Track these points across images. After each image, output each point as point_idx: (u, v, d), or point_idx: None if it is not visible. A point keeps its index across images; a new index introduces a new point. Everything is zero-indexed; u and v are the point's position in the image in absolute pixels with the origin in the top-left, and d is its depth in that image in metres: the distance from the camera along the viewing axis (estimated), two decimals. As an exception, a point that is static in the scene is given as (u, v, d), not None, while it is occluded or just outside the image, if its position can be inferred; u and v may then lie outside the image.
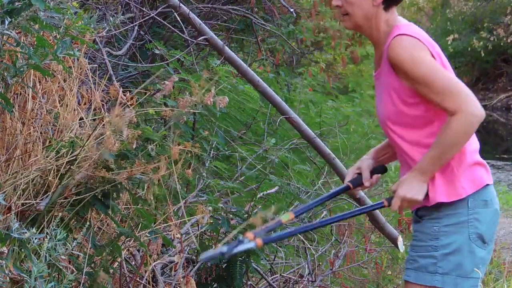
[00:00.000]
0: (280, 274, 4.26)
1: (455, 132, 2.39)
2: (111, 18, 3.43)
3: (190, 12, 3.71)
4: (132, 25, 4.79)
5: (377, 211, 3.80)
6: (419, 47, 2.46)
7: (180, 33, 4.58)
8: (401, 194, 2.48)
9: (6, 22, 2.43)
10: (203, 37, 3.74)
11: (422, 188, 2.46)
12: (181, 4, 3.77)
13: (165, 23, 4.74)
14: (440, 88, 2.42)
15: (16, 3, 2.48)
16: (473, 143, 2.53)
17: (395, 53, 2.44)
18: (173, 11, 4.00)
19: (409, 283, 2.53)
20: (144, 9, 4.80)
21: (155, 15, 4.46)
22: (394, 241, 3.60)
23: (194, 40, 4.09)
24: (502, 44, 20.43)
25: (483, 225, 2.49)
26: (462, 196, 2.47)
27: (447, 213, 2.49)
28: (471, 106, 2.39)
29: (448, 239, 2.48)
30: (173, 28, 4.68)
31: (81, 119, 3.30)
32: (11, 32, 2.46)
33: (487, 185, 2.52)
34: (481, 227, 2.48)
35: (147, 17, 4.68)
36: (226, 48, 3.77)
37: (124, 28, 4.69)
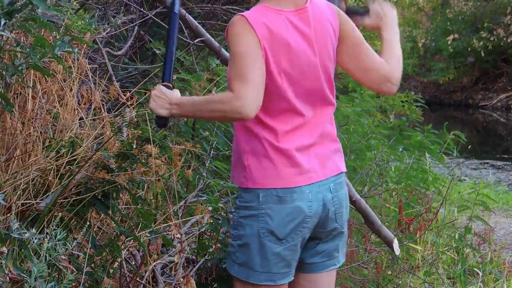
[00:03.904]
0: (280, 274, 4.25)
1: (219, 109, 2.41)
2: (111, 18, 3.44)
3: (186, 14, 3.70)
4: (132, 25, 4.79)
5: (374, 213, 3.80)
6: (242, 28, 2.44)
7: (178, 35, 4.57)
8: (153, 93, 2.55)
9: (2, 23, 2.43)
10: (199, 39, 3.73)
11: (162, 108, 2.53)
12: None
13: (163, 24, 4.74)
14: (236, 74, 2.42)
15: (17, 4, 2.48)
16: (294, 142, 2.49)
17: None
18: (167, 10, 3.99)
19: None
20: (143, 10, 4.81)
21: (153, 15, 4.46)
22: (390, 244, 3.60)
23: (190, 42, 4.09)
24: (502, 44, 20.45)
25: (275, 221, 2.45)
26: (247, 186, 2.48)
27: (243, 204, 2.50)
28: (247, 102, 2.38)
29: (242, 231, 2.49)
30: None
31: (81, 119, 3.30)
32: (7, 33, 2.46)
33: (291, 187, 2.47)
34: (271, 223, 2.45)
35: (145, 18, 4.68)
36: (223, 50, 3.77)
37: (124, 28, 4.70)
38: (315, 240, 2.58)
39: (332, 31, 2.57)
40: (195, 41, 3.81)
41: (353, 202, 3.79)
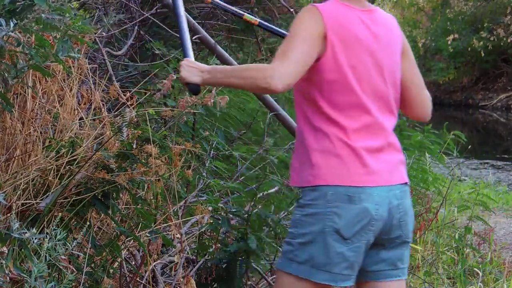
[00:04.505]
0: (280, 274, 4.26)
1: (251, 75, 2.44)
2: (107, 18, 3.44)
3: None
4: (131, 24, 4.79)
5: None
6: (309, 15, 2.48)
7: (175, 33, 4.58)
8: (183, 63, 2.61)
9: (12, 24, 2.43)
10: (196, 36, 3.75)
11: (194, 75, 2.57)
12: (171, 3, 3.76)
13: (161, 24, 4.75)
14: (280, 50, 2.47)
15: (18, 3, 2.48)
16: (362, 141, 2.49)
17: None
18: (167, 10, 4.02)
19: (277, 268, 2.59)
20: (142, 10, 4.81)
21: (149, 15, 4.47)
22: None
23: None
24: (502, 44, 20.46)
25: (343, 220, 2.43)
26: (315, 184, 2.47)
27: (308, 202, 2.48)
28: (279, 74, 2.41)
29: (304, 229, 2.47)
30: (169, 29, 4.68)
31: (81, 119, 3.30)
32: (15, 33, 2.46)
33: (359, 186, 2.46)
34: (339, 222, 2.43)
35: (142, 17, 4.68)
36: (218, 46, 3.78)
37: (123, 28, 4.70)
38: (378, 246, 2.55)
39: (398, 40, 2.61)
40: (192, 38, 3.81)
41: None
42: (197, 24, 3.80)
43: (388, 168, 2.53)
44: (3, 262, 2.46)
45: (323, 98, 2.48)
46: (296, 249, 2.49)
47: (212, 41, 3.78)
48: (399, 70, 2.60)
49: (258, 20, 3.14)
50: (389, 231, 2.53)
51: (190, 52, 2.72)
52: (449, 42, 21.19)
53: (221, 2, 3.36)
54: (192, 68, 2.59)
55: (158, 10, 4.92)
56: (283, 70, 2.41)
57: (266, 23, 3.22)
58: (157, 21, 4.67)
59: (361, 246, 2.48)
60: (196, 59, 2.74)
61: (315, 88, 2.49)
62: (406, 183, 2.59)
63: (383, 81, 2.54)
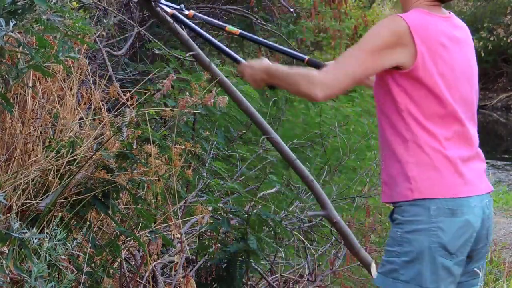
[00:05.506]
0: (280, 274, 4.27)
1: (297, 81, 2.48)
2: (107, 19, 3.44)
3: (178, 28, 3.64)
4: (131, 24, 4.79)
5: (353, 236, 3.76)
6: (391, 26, 2.44)
7: (165, 49, 4.56)
8: (246, 72, 2.70)
9: (11, 24, 2.43)
10: (190, 53, 3.70)
11: (255, 78, 2.66)
12: (169, 20, 3.67)
13: (155, 35, 4.74)
14: (341, 57, 2.50)
15: (19, 3, 2.48)
16: (456, 150, 2.45)
17: None
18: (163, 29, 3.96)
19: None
20: (142, 11, 4.81)
21: (143, 29, 4.45)
22: (367, 267, 3.60)
23: (181, 57, 4.10)
24: (502, 44, 20.42)
25: (447, 234, 2.39)
26: (414, 197, 2.41)
27: (409, 219, 2.42)
28: (322, 85, 2.42)
29: (409, 247, 2.41)
30: (163, 47, 4.67)
31: (81, 119, 3.30)
32: (15, 33, 2.46)
33: (460, 197, 2.42)
34: (444, 237, 2.39)
35: (138, 30, 4.68)
36: (212, 65, 3.71)
37: (123, 28, 4.70)
38: (467, 258, 2.51)
39: (473, 45, 2.61)
40: (187, 54, 3.78)
41: (334, 223, 3.74)
42: (191, 41, 3.74)
43: (477, 177, 2.51)
44: (3, 262, 2.46)
45: (415, 107, 2.43)
46: (401, 268, 2.43)
47: (207, 60, 3.72)
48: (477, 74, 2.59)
49: (239, 30, 3.17)
50: (478, 241, 2.50)
51: (237, 57, 2.84)
52: (449, 42, 21.16)
53: (203, 16, 3.38)
54: (255, 74, 2.66)
55: (150, 24, 4.93)
56: (328, 81, 2.41)
57: (246, 33, 3.24)
58: (145, 32, 4.67)
59: (464, 259, 2.46)
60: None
61: (407, 98, 2.44)
62: (491, 191, 2.57)
63: (470, 87, 2.52)
